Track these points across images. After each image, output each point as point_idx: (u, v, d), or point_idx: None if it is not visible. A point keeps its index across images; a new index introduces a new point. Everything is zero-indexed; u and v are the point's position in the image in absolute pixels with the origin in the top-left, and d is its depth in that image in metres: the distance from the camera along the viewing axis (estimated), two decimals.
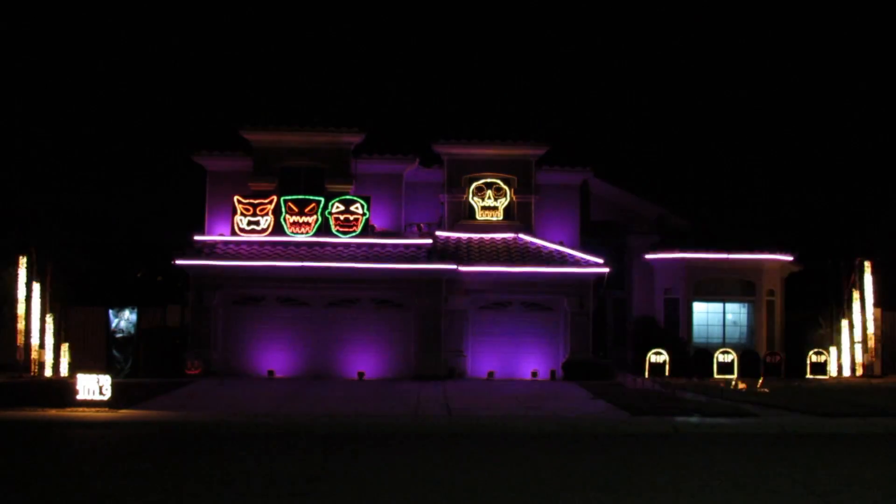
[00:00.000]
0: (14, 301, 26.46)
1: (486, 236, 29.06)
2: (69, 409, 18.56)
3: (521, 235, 29.00)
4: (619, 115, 53.47)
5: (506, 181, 29.59)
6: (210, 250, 27.19)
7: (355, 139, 28.74)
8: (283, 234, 27.59)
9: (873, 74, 50.97)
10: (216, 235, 28.20)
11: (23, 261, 26.38)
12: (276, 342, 26.80)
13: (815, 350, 28.41)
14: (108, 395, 18.78)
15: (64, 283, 27.39)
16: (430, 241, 28.03)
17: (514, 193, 29.51)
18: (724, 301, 29.78)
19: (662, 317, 29.93)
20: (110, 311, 26.48)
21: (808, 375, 27.81)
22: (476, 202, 29.56)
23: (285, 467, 13.35)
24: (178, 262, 26.68)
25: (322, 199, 27.72)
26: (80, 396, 18.77)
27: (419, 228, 29.25)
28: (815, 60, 53.52)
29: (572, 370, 26.39)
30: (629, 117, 52.60)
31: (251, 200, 27.70)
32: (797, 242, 31.37)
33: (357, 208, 27.61)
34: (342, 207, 27.63)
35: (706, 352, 28.07)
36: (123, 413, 18.42)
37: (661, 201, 31.56)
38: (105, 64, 52.30)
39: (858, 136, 47.08)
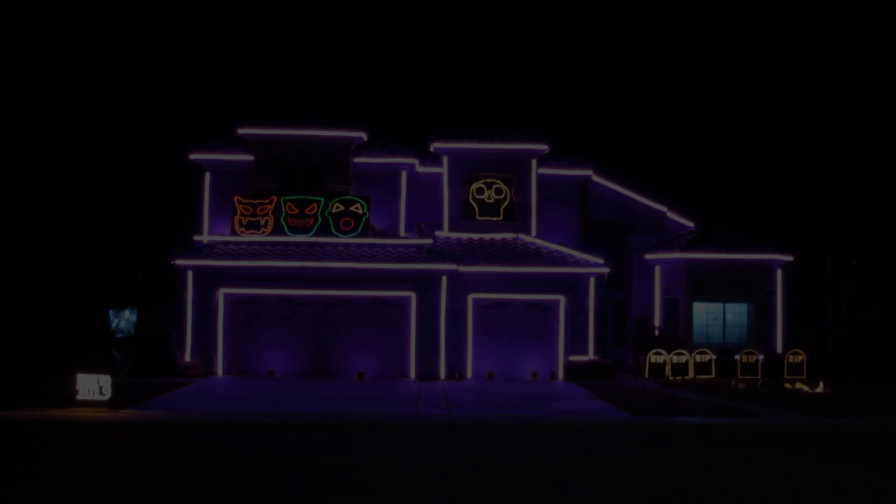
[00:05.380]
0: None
1: (486, 236, 29.06)
2: (69, 409, 18.56)
3: (521, 235, 28.99)
4: (619, 114, 53.46)
5: (506, 181, 29.58)
6: (210, 250, 27.20)
7: (355, 138, 28.75)
8: (284, 234, 27.59)
9: (874, 74, 50.98)
10: (216, 235, 28.20)
11: None
12: (277, 342, 26.80)
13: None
14: (108, 395, 18.78)
15: (64, 283, 27.39)
16: (430, 240, 28.03)
17: (514, 193, 29.50)
18: (724, 301, 29.77)
19: (662, 317, 29.93)
20: (110, 311, 26.47)
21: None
22: (476, 202, 29.55)
23: (286, 467, 13.35)
24: (179, 262, 26.70)
25: (322, 199, 27.72)
26: (80, 396, 18.77)
27: (419, 228, 29.24)
28: (816, 61, 53.53)
29: (572, 370, 26.40)
30: (630, 117, 52.61)
31: (251, 200, 27.70)
32: (797, 242, 31.35)
33: (357, 208, 27.62)
34: (342, 207, 27.64)
35: (706, 352, 28.06)
36: (123, 413, 18.42)
37: (661, 201, 31.54)
38: (104, 61, 52.30)
39: (859, 136, 47.10)
